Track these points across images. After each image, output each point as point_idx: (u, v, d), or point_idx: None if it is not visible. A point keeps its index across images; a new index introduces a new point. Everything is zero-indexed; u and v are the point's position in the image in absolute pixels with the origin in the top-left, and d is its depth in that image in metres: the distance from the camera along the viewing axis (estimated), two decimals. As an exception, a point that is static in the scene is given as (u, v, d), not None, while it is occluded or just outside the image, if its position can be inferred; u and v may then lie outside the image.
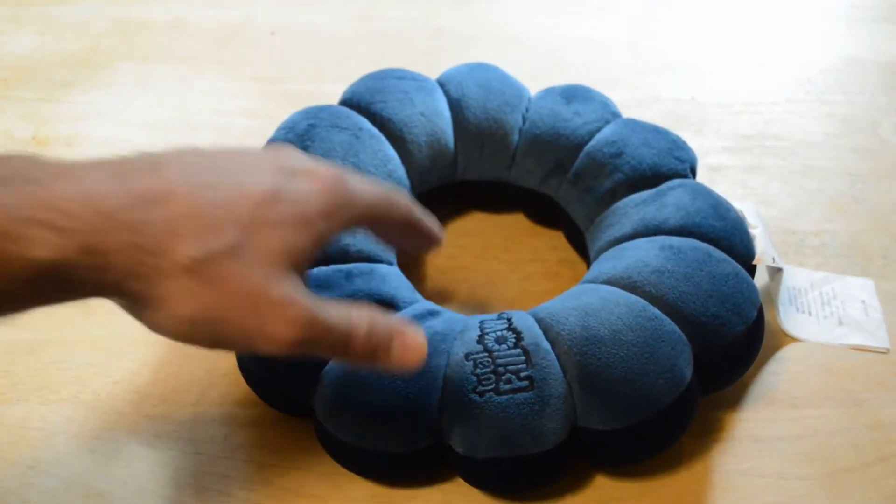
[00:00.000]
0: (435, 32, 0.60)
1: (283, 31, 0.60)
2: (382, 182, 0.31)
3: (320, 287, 0.35)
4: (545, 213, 0.45)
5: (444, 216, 0.46)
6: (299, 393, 0.34)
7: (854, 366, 0.39)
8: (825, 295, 0.42)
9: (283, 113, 0.43)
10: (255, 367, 0.35)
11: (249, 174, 0.28)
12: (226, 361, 0.39)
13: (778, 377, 0.39)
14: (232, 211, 0.26)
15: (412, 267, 0.43)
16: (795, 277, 0.42)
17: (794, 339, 0.40)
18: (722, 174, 0.49)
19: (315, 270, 0.36)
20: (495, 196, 0.46)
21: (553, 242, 0.45)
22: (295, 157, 0.30)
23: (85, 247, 0.24)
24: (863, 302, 0.42)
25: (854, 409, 0.38)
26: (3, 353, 0.39)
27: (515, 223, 0.46)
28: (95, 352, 0.39)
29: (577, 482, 0.35)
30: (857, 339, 0.40)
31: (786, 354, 0.40)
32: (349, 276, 0.36)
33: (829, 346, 0.40)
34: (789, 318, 0.41)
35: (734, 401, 0.38)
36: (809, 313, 0.41)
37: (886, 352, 0.40)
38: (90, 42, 0.58)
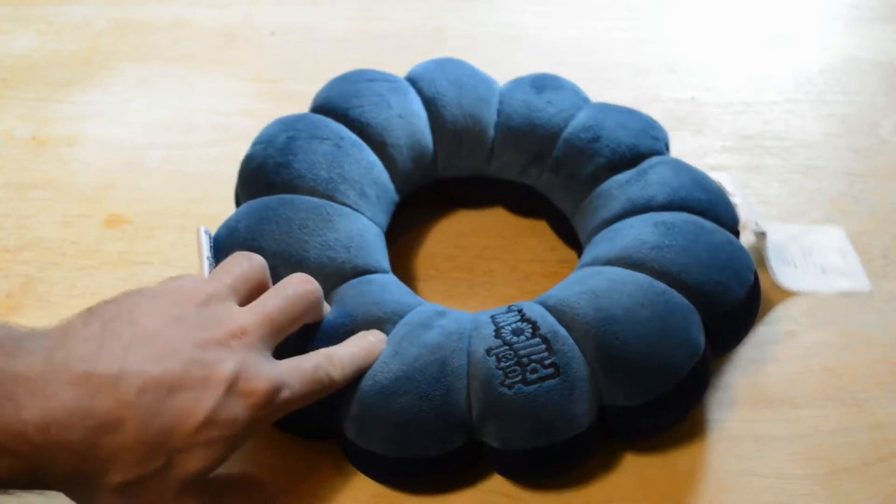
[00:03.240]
0: (435, 32, 0.60)
1: (283, 31, 0.60)
2: (317, 370, 0.31)
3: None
4: (526, 203, 0.45)
5: (444, 216, 0.46)
6: (324, 415, 0.34)
7: (854, 366, 0.39)
8: (805, 247, 0.44)
9: (283, 113, 0.43)
10: None
11: (194, 375, 0.28)
12: (226, 361, 0.39)
13: (778, 377, 0.39)
14: (170, 439, 0.28)
15: (412, 268, 0.43)
16: (776, 233, 0.44)
17: (786, 293, 0.42)
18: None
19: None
20: (475, 191, 0.46)
21: (552, 243, 0.45)
22: (231, 324, 0.30)
23: (33, 467, 0.27)
24: (839, 250, 0.44)
25: (854, 409, 0.38)
26: (3, 353, 0.39)
27: (515, 223, 0.46)
28: (95, 352, 0.39)
29: (577, 482, 0.35)
30: (842, 285, 0.42)
31: (786, 354, 0.40)
32: (353, 293, 0.36)
33: (823, 293, 0.42)
34: (782, 273, 0.42)
35: (734, 401, 0.38)
36: (795, 266, 0.43)
37: (870, 294, 0.42)
38: (90, 42, 0.58)
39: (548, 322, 0.34)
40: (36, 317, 0.41)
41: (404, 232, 0.45)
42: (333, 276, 0.36)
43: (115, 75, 0.56)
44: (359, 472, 0.35)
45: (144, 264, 0.43)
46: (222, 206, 0.42)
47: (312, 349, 0.33)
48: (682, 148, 0.50)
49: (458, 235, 0.45)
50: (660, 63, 0.57)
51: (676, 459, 0.36)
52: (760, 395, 0.38)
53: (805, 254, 0.43)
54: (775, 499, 0.35)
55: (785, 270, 0.42)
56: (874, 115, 0.53)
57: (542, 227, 0.45)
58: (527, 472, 0.34)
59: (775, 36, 0.60)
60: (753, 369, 0.39)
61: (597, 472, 0.35)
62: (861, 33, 0.60)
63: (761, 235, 0.42)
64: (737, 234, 0.39)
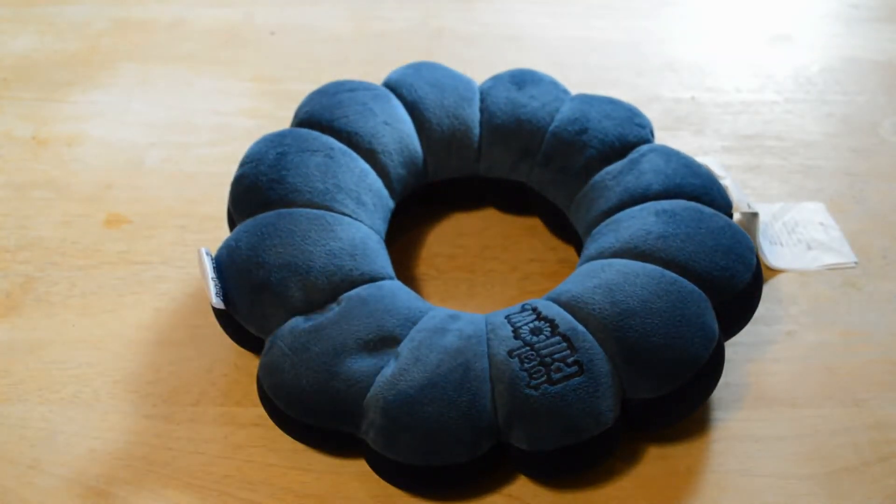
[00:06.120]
0: (435, 32, 0.60)
1: (283, 31, 0.60)
2: None
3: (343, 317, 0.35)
4: (516, 200, 0.45)
5: (439, 219, 0.46)
6: (344, 424, 0.33)
7: (854, 366, 0.39)
8: (788, 224, 0.45)
9: (283, 113, 0.43)
10: (291, 404, 0.34)
11: None
12: (225, 362, 0.39)
13: (778, 377, 0.39)
14: None
15: (411, 269, 0.43)
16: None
17: (774, 272, 0.43)
18: (722, 174, 0.49)
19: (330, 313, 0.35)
20: (464, 192, 0.45)
21: (552, 243, 0.45)
22: None
23: None
24: (821, 224, 0.45)
25: (854, 409, 0.38)
26: (3, 353, 0.39)
27: (513, 222, 0.46)
28: (95, 352, 0.39)
29: (576, 482, 0.35)
30: (828, 259, 0.43)
31: (786, 354, 0.40)
32: (363, 301, 0.35)
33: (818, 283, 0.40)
34: (771, 253, 0.43)
35: (734, 401, 0.38)
36: (782, 244, 0.44)
37: (855, 266, 0.43)
38: (90, 42, 0.58)
39: (565, 319, 0.34)
40: (35, 317, 0.41)
41: (402, 234, 0.45)
42: (343, 283, 0.36)
43: (115, 75, 0.56)
44: (357, 473, 0.35)
45: (144, 264, 0.43)
46: (222, 206, 0.42)
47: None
48: (682, 148, 0.50)
49: (457, 236, 0.45)
50: (660, 63, 0.57)
51: (676, 459, 0.36)
52: (760, 395, 0.38)
53: (789, 231, 0.44)
54: (775, 499, 0.35)
55: (773, 250, 0.44)
56: (874, 115, 0.53)
57: (540, 226, 0.45)
58: (555, 472, 0.34)
59: (775, 36, 0.60)
60: (753, 369, 0.39)
61: (596, 471, 0.35)
62: (861, 33, 0.60)
63: (753, 216, 0.42)
64: (730, 216, 0.39)
